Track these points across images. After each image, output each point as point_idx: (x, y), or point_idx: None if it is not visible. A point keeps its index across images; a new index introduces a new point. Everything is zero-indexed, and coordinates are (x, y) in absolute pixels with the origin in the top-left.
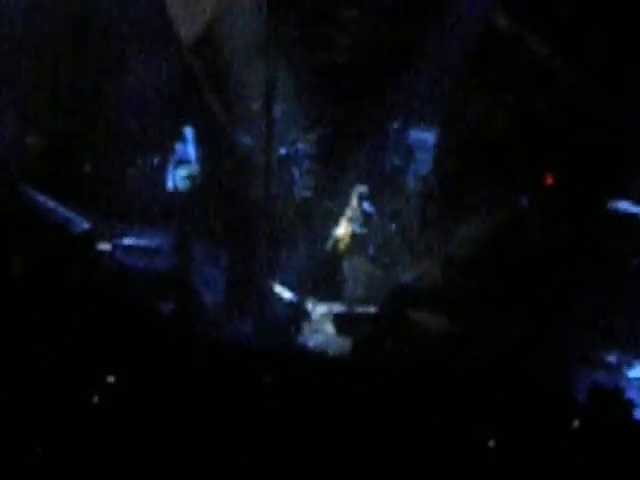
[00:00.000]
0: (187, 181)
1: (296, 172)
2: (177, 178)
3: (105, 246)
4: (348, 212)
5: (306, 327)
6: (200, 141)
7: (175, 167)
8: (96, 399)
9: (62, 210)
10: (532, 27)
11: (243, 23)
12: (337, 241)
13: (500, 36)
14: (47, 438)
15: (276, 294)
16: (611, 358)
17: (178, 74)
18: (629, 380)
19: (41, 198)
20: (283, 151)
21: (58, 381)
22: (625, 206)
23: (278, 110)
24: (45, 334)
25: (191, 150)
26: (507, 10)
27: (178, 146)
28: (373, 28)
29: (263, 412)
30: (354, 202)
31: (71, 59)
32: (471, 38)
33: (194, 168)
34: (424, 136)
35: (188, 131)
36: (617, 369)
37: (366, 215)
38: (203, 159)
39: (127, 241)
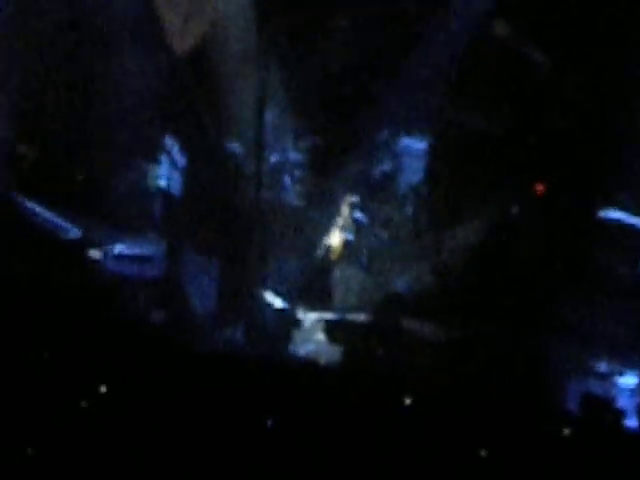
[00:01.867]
0: (169, 186)
1: (287, 180)
2: (158, 183)
3: (96, 254)
4: (339, 220)
5: (297, 336)
6: (188, 149)
7: (159, 173)
8: (85, 406)
9: (53, 218)
10: (532, 35)
11: (235, 31)
12: (329, 249)
13: (499, 44)
14: (36, 443)
15: (268, 302)
16: (602, 366)
17: (168, 81)
18: (620, 389)
19: (32, 206)
20: (274, 159)
21: (49, 389)
22: (615, 215)
23: (269, 118)
24: (36, 342)
25: (175, 157)
26: (507, 17)
27: (163, 153)
28: (364, 37)
29: (255, 421)
30: (345, 211)
31: (61, 67)
32: (467, 45)
33: (176, 173)
34: (414, 144)
35: (172, 138)
36: (608, 377)
37: (357, 223)
38: (192, 167)
39: (118, 249)
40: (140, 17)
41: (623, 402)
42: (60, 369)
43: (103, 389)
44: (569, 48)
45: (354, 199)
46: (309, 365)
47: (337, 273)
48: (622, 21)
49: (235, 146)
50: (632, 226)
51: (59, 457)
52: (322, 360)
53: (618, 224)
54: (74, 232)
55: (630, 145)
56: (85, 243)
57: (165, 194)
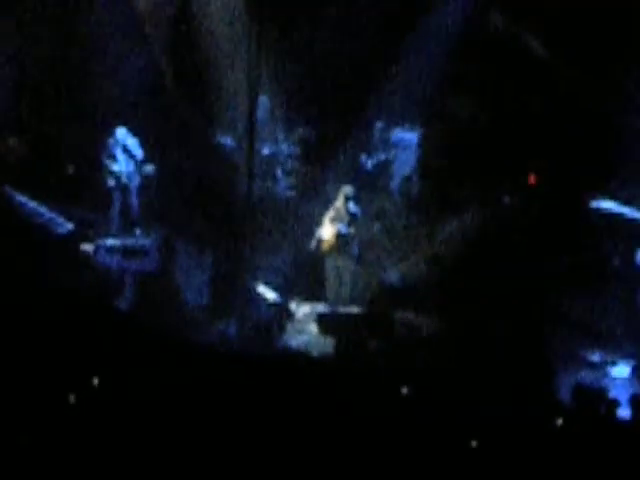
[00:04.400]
0: (161, 179)
1: (279, 172)
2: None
3: (88, 247)
4: (332, 212)
5: (290, 327)
6: (179, 142)
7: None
8: (72, 399)
9: (45, 212)
10: (527, 28)
11: (226, 23)
12: (321, 241)
13: (496, 34)
14: (28, 434)
15: (260, 294)
16: (595, 357)
17: (160, 75)
18: (613, 379)
19: (24, 200)
20: (266, 151)
21: (41, 382)
22: (609, 206)
23: (261, 110)
24: (28, 335)
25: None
26: (504, 8)
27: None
28: (357, 28)
29: (248, 413)
30: (339, 202)
31: (49, 64)
32: (460, 37)
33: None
34: (407, 136)
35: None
36: (601, 368)
37: (351, 215)
38: (185, 160)
39: (110, 242)
40: (124, 13)
41: (616, 392)
42: (52, 362)
43: (95, 382)
44: (564, 41)
45: (347, 191)
46: (302, 357)
47: (329, 265)
48: (619, 16)
49: (227, 139)
50: (625, 217)
51: (51, 449)
52: (315, 352)
53: (611, 215)
54: (67, 226)
55: (621, 136)
56: (77, 237)
57: (158, 187)
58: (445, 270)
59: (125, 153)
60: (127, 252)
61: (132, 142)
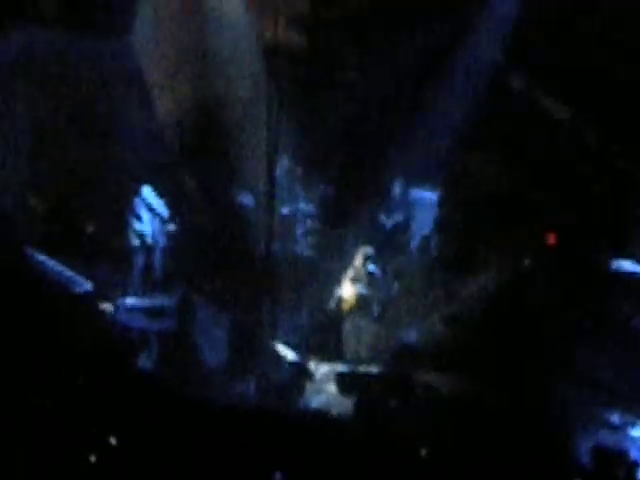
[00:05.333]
0: (181, 238)
1: (299, 231)
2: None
3: (108, 306)
4: (351, 272)
5: (309, 387)
6: (199, 201)
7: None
8: (93, 459)
9: (65, 271)
10: (550, 86)
11: (246, 83)
12: (341, 301)
13: (514, 96)
14: None
15: (279, 354)
16: (614, 418)
17: (178, 134)
18: (633, 440)
19: (44, 259)
20: (286, 210)
21: (60, 443)
22: (627, 265)
23: (281, 170)
24: (47, 395)
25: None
26: (523, 71)
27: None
28: (375, 89)
29: (267, 472)
30: (358, 262)
31: (70, 126)
32: (481, 97)
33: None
34: (426, 195)
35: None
36: (620, 429)
37: (370, 275)
38: (204, 219)
39: (129, 301)
40: (140, 67)
41: (636, 454)
42: (71, 422)
43: (113, 442)
44: (585, 101)
45: (367, 250)
46: (321, 417)
47: (349, 325)
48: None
49: (247, 198)
50: None
51: None
52: (334, 412)
53: (631, 275)
54: (86, 285)
55: None
56: (96, 296)
57: (177, 247)
58: (464, 330)
59: (150, 212)
60: (147, 312)
61: (157, 201)
